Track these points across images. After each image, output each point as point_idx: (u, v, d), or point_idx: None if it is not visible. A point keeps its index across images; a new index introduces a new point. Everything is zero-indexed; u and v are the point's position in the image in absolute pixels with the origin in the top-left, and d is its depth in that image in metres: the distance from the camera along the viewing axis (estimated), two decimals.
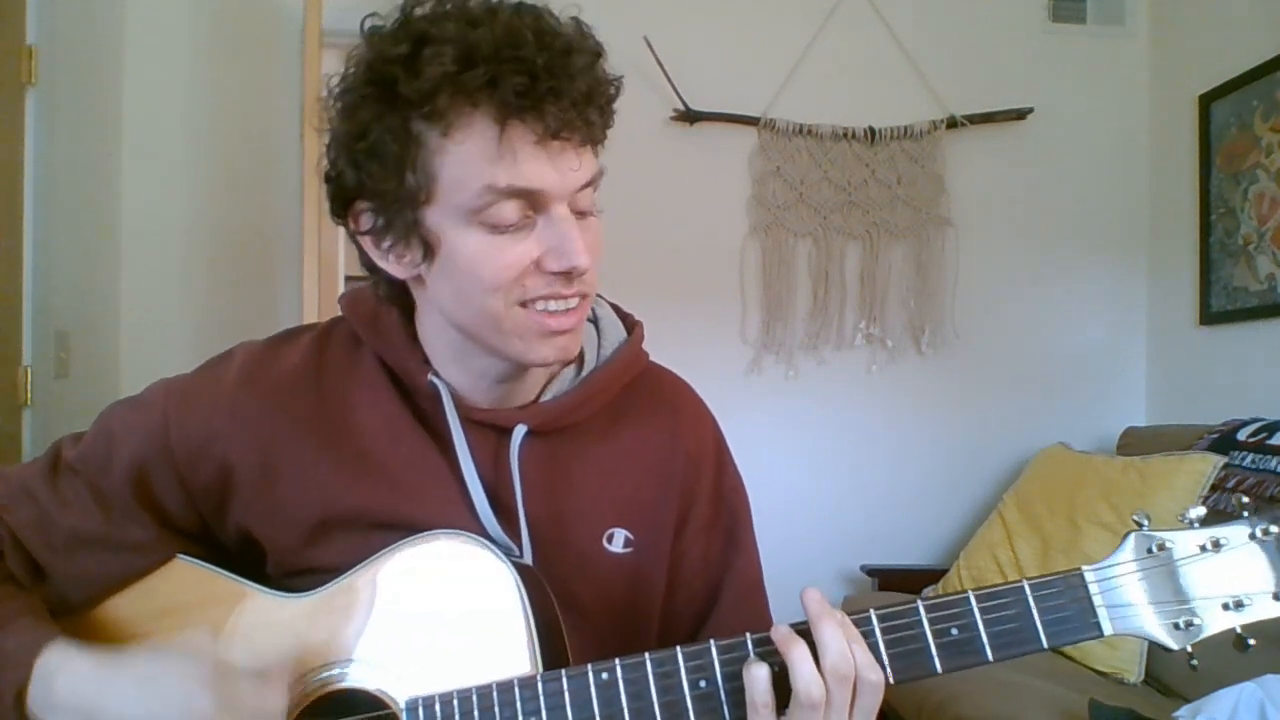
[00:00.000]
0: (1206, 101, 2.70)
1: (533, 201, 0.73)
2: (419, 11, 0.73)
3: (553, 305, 0.76)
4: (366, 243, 0.79)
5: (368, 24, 0.75)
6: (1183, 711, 1.60)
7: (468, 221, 0.73)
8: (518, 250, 0.74)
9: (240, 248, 2.74)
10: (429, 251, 0.76)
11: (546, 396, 0.87)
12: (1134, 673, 2.04)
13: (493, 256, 0.74)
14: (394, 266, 0.79)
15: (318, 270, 2.36)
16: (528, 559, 0.82)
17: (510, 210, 0.73)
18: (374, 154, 0.73)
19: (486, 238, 0.73)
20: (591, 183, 0.77)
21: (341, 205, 0.79)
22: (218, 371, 0.87)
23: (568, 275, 0.75)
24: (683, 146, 2.82)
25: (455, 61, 0.69)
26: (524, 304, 0.76)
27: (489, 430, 0.85)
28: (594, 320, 0.90)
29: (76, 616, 0.84)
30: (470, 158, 0.71)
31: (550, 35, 0.71)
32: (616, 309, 0.94)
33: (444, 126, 0.71)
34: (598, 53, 0.75)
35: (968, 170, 2.89)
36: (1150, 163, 2.97)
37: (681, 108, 2.78)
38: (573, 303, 0.77)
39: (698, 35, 2.83)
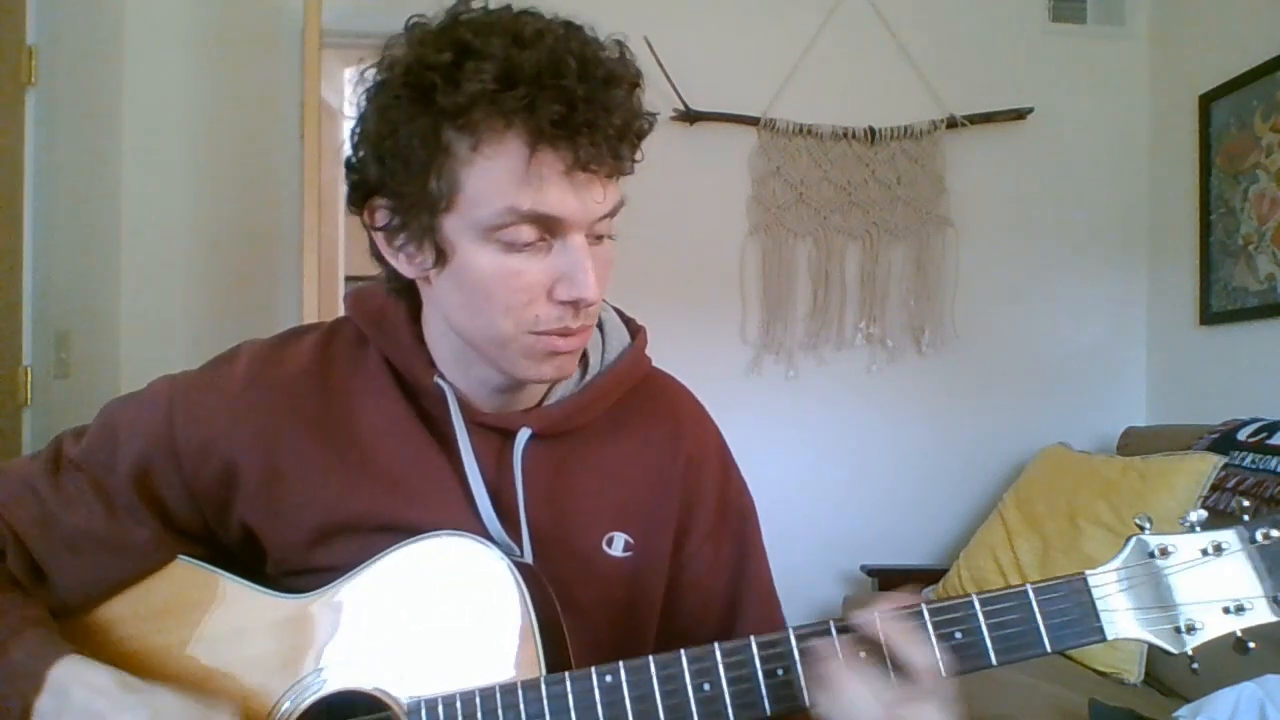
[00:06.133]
0: (1206, 101, 2.70)
1: (550, 226, 0.73)
2: (466, 17, 0.72)
3: (560, 344, 0.77)
4: (379, 238, 0.79)
5: (412, 21, 0.74)
6: (1183, 711, 1.60)
7: (484, 237, 0.73)
8: (530, 273, 0.74)
9: (240, 248, 2.74)
10: (441, 258, 0.76)
11: (550, 401, 0.87)
12: (1134, 673, 2.04)
13: (505, 279, 0.74)
14: (403, 265, 0.79)
15: (318, 270, 2.36)
16: (528, 561, 0.82)
17: (527, 232, 0.73)
18: (400, 155, 0.73)
19: (499, 256, 0.73)
20: (613, 213, 0.77)
21: (361, 197, 0.78)
22: (223, 370, 0.87)
23: (575, 305, 0.75)
24: (683, 146, 2.81)
25: (496, 80, 0.68)
26: (533, 332, 0.76)
27: (493, 433, 0.85)
28: (598, 325, 0.90)
29: (76, 616, 0.84)
30: (497, 175, 0.71)
31: (594, 64, 0.71)
32: (620, 314, 0.94)
33: (475, 140, 0.71)
34: (636, 83, 0.74)
35: (968, 170, 2.89)
36: (1150, 163, 2.97)
37: (681, 108, 2.78)
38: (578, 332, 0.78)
39: (698, 35, 2.83)
